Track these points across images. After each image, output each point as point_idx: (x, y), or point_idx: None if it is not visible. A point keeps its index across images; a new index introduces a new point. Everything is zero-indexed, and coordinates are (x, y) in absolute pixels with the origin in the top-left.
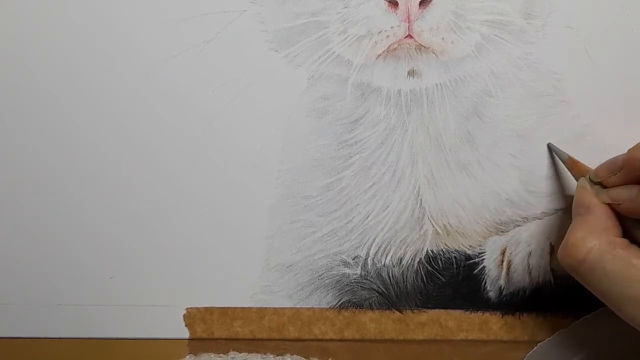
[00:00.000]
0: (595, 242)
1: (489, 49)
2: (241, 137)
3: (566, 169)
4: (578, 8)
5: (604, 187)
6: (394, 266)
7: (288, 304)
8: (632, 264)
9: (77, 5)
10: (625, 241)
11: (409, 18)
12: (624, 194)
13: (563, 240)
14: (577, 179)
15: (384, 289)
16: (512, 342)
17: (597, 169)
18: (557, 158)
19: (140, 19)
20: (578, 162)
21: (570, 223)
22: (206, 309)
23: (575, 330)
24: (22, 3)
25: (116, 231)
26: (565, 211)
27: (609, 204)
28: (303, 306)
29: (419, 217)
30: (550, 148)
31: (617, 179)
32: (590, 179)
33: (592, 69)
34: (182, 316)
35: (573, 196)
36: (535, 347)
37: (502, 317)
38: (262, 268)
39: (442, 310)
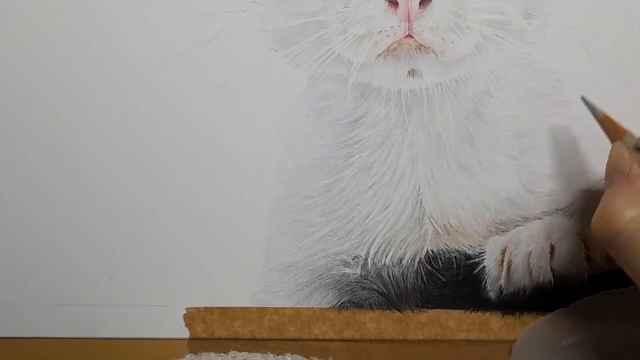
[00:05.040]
0: (635, 213)
1: (489, 49)
2: (241, 137)
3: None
4: (578, 8)
5: None
6: (394, 266)
7: (288, 304)
8: None
9: (77, 6)
10: None
11: (409, 18)
12: None
13: (598, 209)
14: (611, 141)
15: (384, 289)
16: (512, 342)
17: None
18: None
19: (141, 19)
20: (614, 121)
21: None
22: (206, 309)
23: (573, 312)
24: (21, 3)
25: (116, 231)
26: (565, 211)
27: None
28: (303, 306)
29: (419, 217)
30: (585, 101)
31: None
32: (636, 145)
33: (592, 69)
34: (182, 316)
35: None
36: (532, 324)
37: (502, 317)
38: (262, 268)
39: (442, 310)
